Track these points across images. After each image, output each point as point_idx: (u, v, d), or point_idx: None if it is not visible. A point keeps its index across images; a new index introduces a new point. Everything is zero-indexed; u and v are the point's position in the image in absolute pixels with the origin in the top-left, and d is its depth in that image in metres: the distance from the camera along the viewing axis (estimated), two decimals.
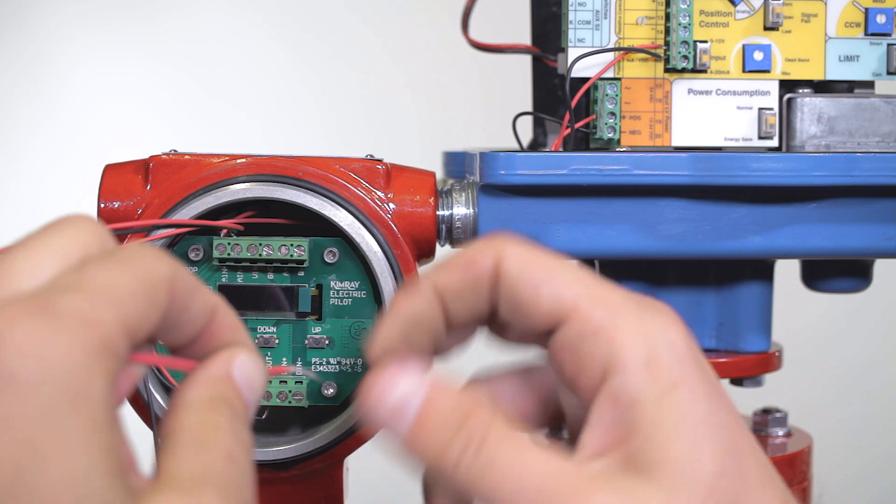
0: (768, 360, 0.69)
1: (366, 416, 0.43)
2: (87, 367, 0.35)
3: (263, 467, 0.59)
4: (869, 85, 0.66)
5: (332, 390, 0.59)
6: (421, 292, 0.44)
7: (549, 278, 0.43)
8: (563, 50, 0.64)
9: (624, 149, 0.64)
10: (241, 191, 0.58)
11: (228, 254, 0.58)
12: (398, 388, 0.42)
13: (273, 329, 0.59)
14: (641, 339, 0.42)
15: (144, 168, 0.60)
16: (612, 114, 0.63)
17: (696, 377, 0.42)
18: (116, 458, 0.36)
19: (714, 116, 0.65)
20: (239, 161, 0.59)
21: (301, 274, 0.59)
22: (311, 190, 0.58)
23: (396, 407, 0.42)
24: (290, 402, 0.58)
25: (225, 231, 0.58)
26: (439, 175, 0.68)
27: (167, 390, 0.58)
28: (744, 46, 0.64)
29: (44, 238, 0.38)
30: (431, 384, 0.43)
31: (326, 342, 0.59)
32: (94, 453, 0.35)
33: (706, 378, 0.43)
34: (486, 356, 0.50)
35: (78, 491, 0.34)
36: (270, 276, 0.59)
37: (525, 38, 0.72)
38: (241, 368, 0.42)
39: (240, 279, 0.59)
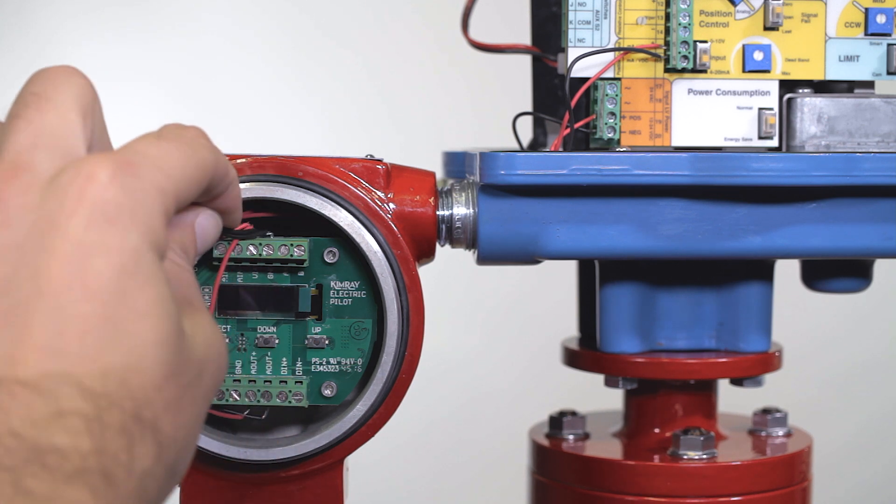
0: (768, 360, 0.69)
1: None
2: (160, 221, 0.44)
3: (263, 467, 0.59)
4: (869, 85, 0.66)
5: (332, 390, 0.59)
6: None
7: None
8: (563, 50, 0.64)
9: (624, 149, 0.64)
10: (242, 190, 0.58)
11: None
12: None
13: (273, 329, 0.59)
14: None
15: None
16: (612, 114, 0.63)
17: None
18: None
19: (714, 116, 0.65)
20: (239, 161, 0.59)
21: (301, 274, 0.59)
22: (311, 190, 0.58)
23: None
24: (290, 402, 0.58)
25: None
26: (439, 175, 0.68)
27: None
28: (744, 46, 0.64)
29: (60, 96, 0.46)
30: None
31: (326, 342, 0.59)
32: (165, 287, 0.44)
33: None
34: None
35: (162, 310, 0.43)
36: (270, 276, 0.59)
37: (525, 38, 0.72)
38: (201, 222, 0.52)
39: (240, 279, 0.59)
